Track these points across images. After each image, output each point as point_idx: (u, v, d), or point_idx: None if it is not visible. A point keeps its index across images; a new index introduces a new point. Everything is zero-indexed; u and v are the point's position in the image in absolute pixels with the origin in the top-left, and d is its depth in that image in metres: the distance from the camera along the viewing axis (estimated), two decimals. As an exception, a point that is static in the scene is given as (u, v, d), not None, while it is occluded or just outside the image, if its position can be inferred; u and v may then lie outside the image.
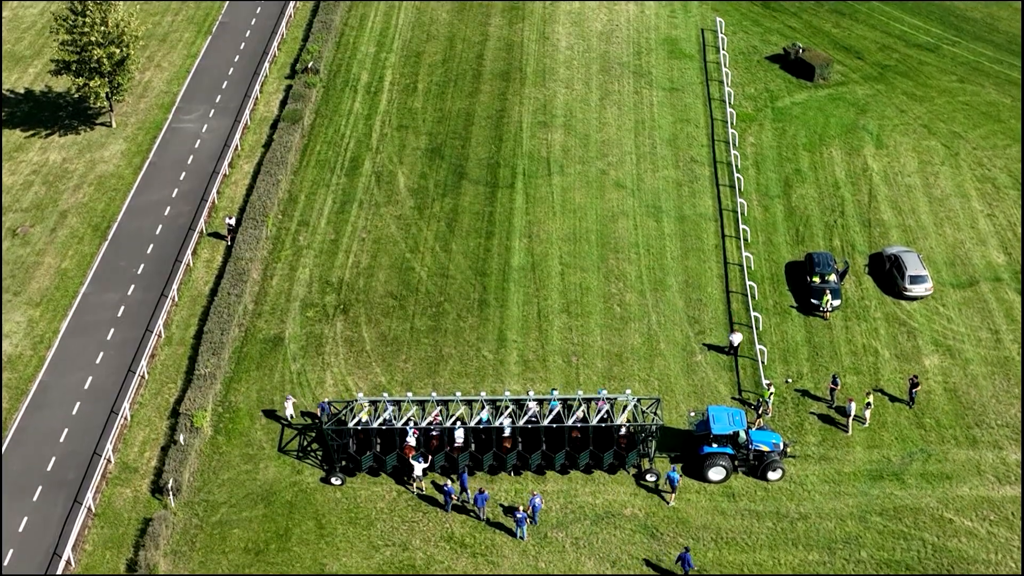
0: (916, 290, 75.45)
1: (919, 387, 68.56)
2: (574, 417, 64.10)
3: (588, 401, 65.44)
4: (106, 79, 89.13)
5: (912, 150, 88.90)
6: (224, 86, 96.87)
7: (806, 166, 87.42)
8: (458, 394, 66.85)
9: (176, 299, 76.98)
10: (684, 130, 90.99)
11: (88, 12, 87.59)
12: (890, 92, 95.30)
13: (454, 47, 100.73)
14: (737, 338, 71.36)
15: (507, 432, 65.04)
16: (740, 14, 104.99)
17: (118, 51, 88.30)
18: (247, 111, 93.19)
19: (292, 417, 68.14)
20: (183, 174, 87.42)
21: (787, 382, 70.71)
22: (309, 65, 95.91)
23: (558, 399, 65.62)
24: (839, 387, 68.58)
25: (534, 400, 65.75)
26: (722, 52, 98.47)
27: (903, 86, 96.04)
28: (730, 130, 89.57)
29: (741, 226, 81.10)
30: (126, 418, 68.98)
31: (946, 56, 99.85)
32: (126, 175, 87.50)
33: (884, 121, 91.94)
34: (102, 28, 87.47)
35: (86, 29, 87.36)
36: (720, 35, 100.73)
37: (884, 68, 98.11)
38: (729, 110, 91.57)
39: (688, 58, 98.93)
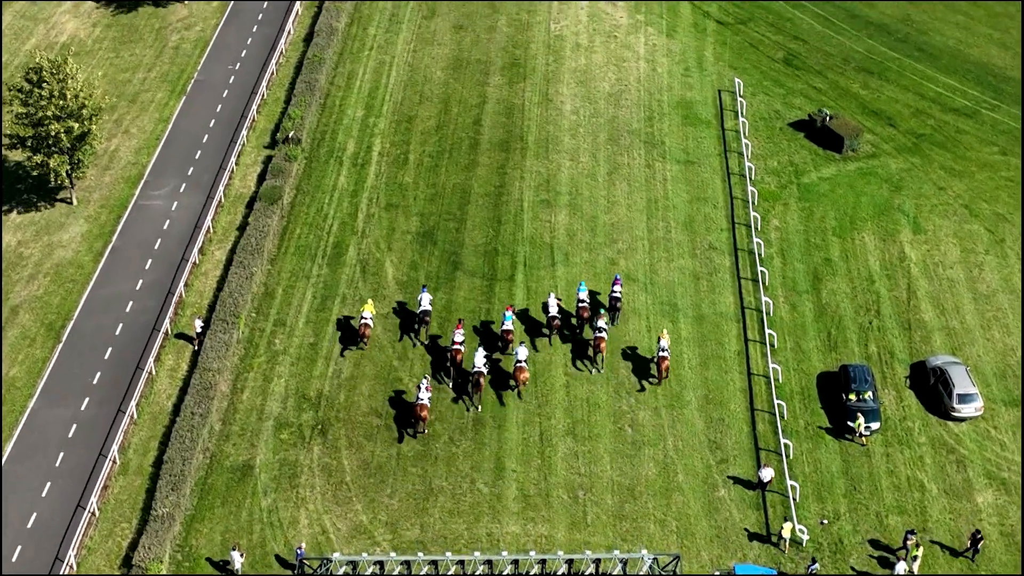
0: (965, 410, 67.22)
1: (983, 540, 60.17)
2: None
3: (597, 562, 57.10)
4: (66, 155, 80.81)
5: (953, 236, 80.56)
6: (198, 156, 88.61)
7: (837, 255, 79.09)
8: (448, 554, 58.54)
9: (135, 416, 68.72)
10: (701, 211, 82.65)
11: (44, 83, 79.24)
12: (926, 166, 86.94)
13: (449, 111, 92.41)
14: (768, 474, 63.11)
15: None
16: (760, 73, 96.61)
17: (78, 125, 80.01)
18: (221, 186, 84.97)
19: (239, 572, 59.79)
20: (149, 262, 79.18)
21: (821, 524, 62.38)
22: (290, 135, 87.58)
23: (564, 559, 57.30)
24: (913, 542, 59.94)
25: (537, 559, 57.45)
26: (741, 119, 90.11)
27: (940, 159, 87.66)
28: (752, 212, 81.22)
29: (767, 330, 72.68)
30: (72, 567, 60.65)
31: (986, 123, 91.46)
32: (86, 263, 79.24)
33: (921, 200, 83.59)
34: (59, 101, 79.12)
35: (43, 103, 79.03)
36: (739, 98, 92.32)
37: (919, 137, 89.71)
38: (750, 188, 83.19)
39: (704, 124, 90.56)
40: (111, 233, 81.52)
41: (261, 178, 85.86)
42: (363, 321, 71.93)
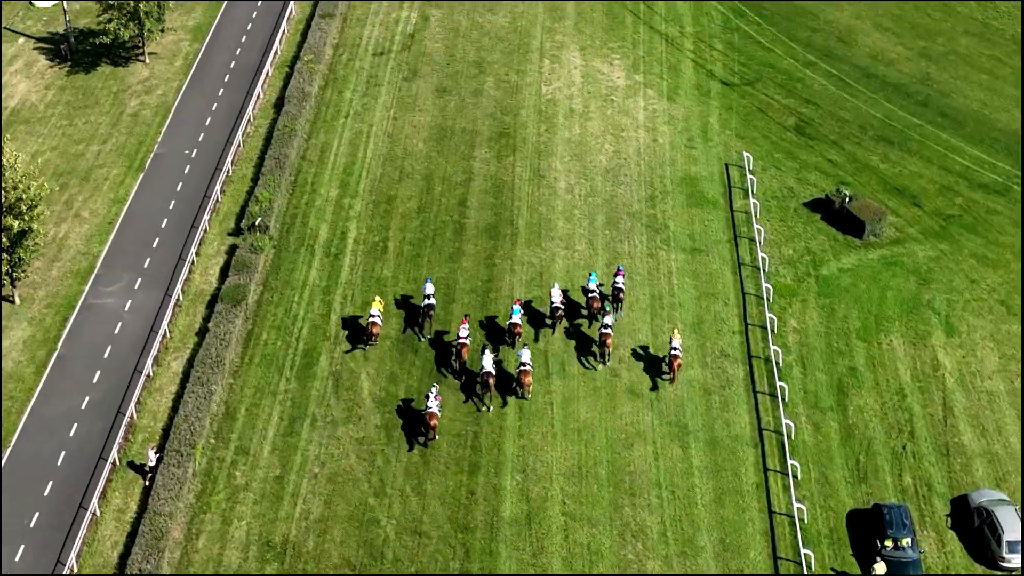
0: (1014, 560, 59.39)
1: None
2: None
3: None
4: (3, 255, 72.55)
5: (989, 338, 72.77)
6: (155, 244, 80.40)
7: (862, 362, 71.17)
8: None
9: (75, 571, 60.39)
10: (711, 309, 74.68)
11: (-23, 176, 71.08)
12: (956, 253, 79.12)
13: (432, 189, 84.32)
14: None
15: None
16: (770, 143, 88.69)
17: (17, 223, 71.67)
18: (180, 282, 76.72)
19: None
20: (97, 374, 70.96)
21: None
22: (257, 221, 79.35)
23: None
24: None
25: None
26: (752, 200, 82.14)
27: (971, 245, 79.85)
28: (767, 313, 73.26)
29: (789, 460, 64.72)
30: None
31: (1018, 201, 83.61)
32: (27, 376, 70.96)
33: (952, 296, 75.76)
34: (-5, 197, 70.95)
35: (-26, 199, 70.86)
36: (748, 175, 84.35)
37: (947, 219, 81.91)
38: (765, 284, 75.20)
39: (711, 205, 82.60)
40: (56, 339, 73.28)
41: (224, 271, 77.69)
42: (372, 319, 70.82)
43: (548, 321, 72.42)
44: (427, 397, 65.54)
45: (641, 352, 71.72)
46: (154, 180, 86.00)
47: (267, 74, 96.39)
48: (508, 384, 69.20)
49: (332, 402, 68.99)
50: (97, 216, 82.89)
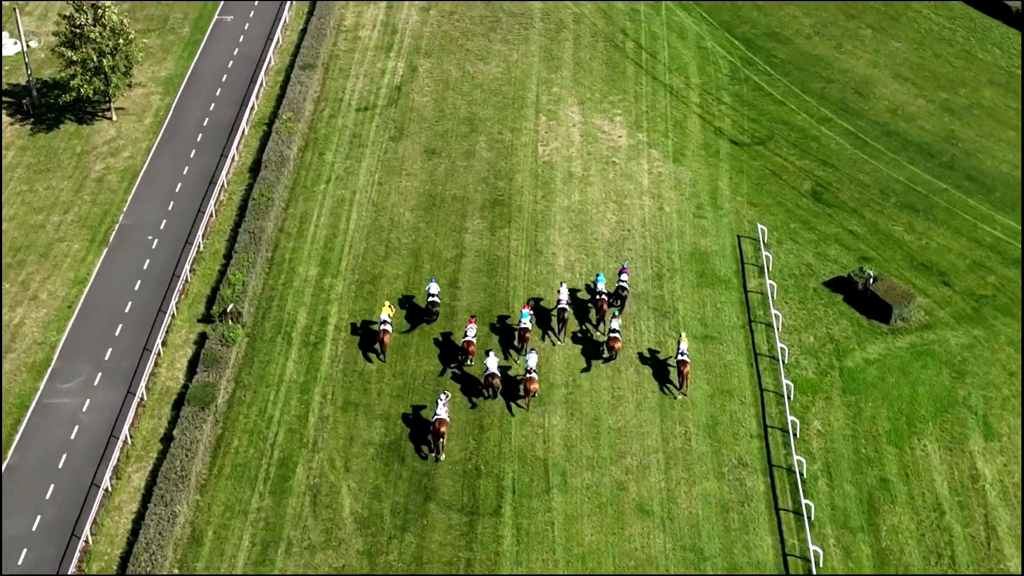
0: None
1: None
2: None
3: None
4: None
5: (1033, 442, 66.14)
6: (118, 332, 73.69)
7: (894, 472, 64.65)
8: None
9: None
10: (726, 408, 68.07)
11: None
12: (992, 340, 72.60)
13: (420, 267, 77.65)
14: None
15: None
16: (785, 211, 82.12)
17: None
18: (144, 378, 69.89)
19: None
20: (50, 488, 64.30)
21: None
22: (229, 308, 72.57)
23: None
24: None
25: None
26: (768, 280, 75.54)
27: (1007, 330, 73.35)
28: (789, 416, 66.68)
29: (818, 594, 58.21)
30: None
31: (1056, 278, 77.23)
32: (-28, 491, 64.03)
33: (989, 392, 69.25)
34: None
35: None
36: (763, 251, 77.75)
37: (979, 301, 75.39)
38: (785, 381, 68.55)
39: (723, 284, 76.00)
40: (7, 447, 66.38)
41: (193, 365, 70.97)
42: (382, 327, 69.28)
43: (554, 321, 71.99)
44: (437, 403, 64.49)
45: (651, 463, 65.05)
46: (118, 256, 79.23)
47: (243, 133, 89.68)
48: (514, 392, 68.26)
49: (310, 523, 62.29)
50: (56, 299, 76.09)
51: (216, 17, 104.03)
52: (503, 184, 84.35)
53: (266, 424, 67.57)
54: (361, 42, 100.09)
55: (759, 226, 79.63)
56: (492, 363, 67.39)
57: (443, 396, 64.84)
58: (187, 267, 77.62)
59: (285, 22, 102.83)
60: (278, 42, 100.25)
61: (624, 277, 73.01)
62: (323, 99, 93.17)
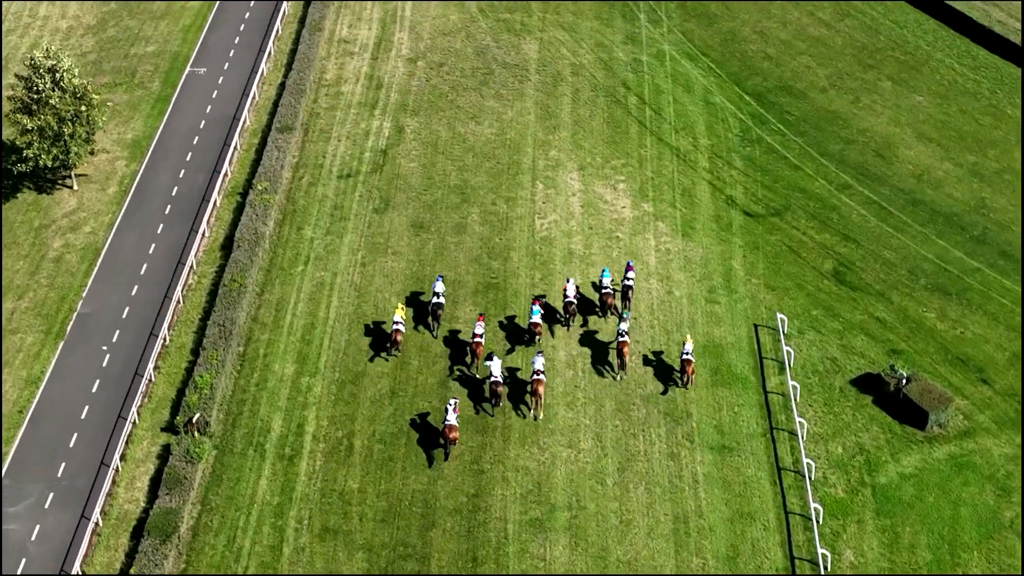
0: None
1: None
2: None
3: None
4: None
5: (1091, 575, 59.17)
6: (73, 442, 66.70)
7: (938, 614, 57.60)
8: None
9: None
10: (747, 535, 61.11)
11: None
12: (1038, 450, 65.63)
13: (408, 363, 70.80)
14: None
15: None
16: (806, 295, 75.22)
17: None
18: (101, 500, 62.78)
19: None
20: (-8, 638, 56.89)
21: None
22: (195, 417, 65.48)
23: None
24: None
25: None
26: (790, 381, 68.61)
27: (1055, 437, 66.40)
28: (819, 548, 59.64)
29: None
30: None
31: (1104, 373, 70.33)
32: (-97, 641, 56.72)
33: (1039, 512, 62.22)
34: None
35: None
36: (784, 346, 70.80)
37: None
38: (813, 504, 61.54)
39: (740, 383, 69.08)
40: (-56, 584, 59.20)
41: (155, 483, 63.95)
42: (395, 327, 68.80)
43: (560, 317, 71.98)
44: (446, 410, 63.76)
45: (666, 604, 58.17)
46: (76, 351, 72.11)
47: (215, 204, 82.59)
48: (521, 393, 67.57)
49: None
50: (6, 403, 69.11)
51: (188, 69, 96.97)
52: (497, 265, 77.38)
53: (235, 557, 60.54)
54: (344, 98, 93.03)
55: (779, 315, 72.63)
56: (496, 368, 66.10)
57: (452, 402, 63.99)
58: (151, 365, 70.54)
59: (262, 75, 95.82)
60: (254, 98, 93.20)
61: (630, 275, 72.23)
62: (302, 165, 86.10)
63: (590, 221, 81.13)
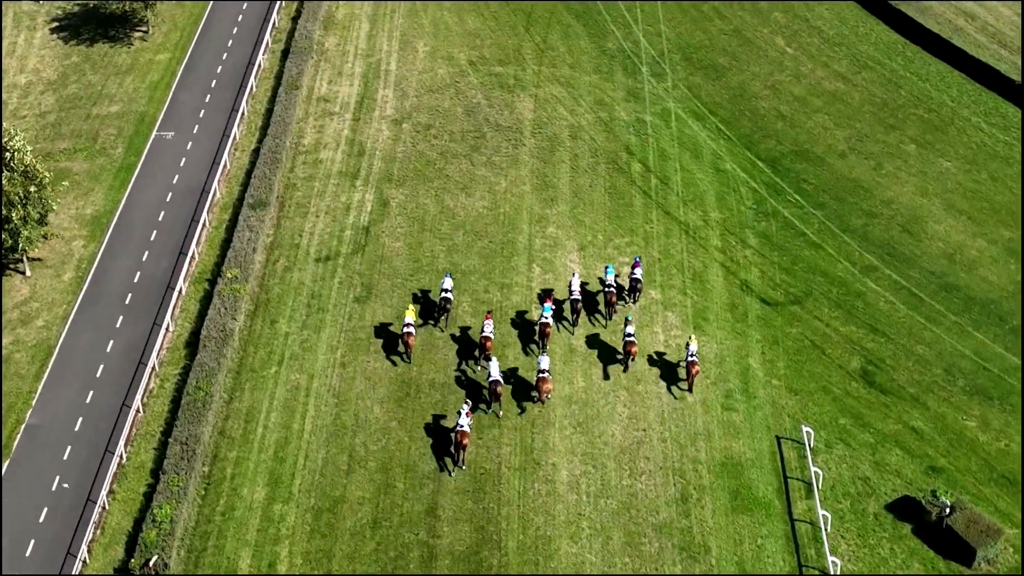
0: None
1: None
2: None
3: None
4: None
5: None
6: (15, 587, 58.88)
7: None
8: None
9: None
10: None
11: None
12: (1099, 591, 58.33)
13: (392, 486, 63.54)
14: None
15: None
16: (832, 401, 68.12)
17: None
18: (43, 661, 55.25)
19: None
20: None
21: None
22: (152, 560, 58.07)
23: None
24: None
25: None
26: (820, 510, 61.30)
27: (1117, 575, 59.10)
28: None
29: None
30: None
31: None
32: None
33: (1106, 670, 54.90)
34: None
35: None
36: (811, 464, 63.49)
37: (1079, 531, 61.19)
38: (851, 664, 54.35)
39: (763, 509, 61.90)
40: None
41: (106, 638, 56.27)
42: (406, 329, 67.76)
43: (567, 311, 71.96)
44: (459, 414, 62.78)
45: None
46: (22, 472, 64.88)
47: (180, 293, 75.12)
48: (527, 391, 67.34)
49: None
50: (-60, 537, 61.28)
51: (154, 133, 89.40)
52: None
53: None
54: (323, 166, 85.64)
55: (804, 427, 65.35)
56: (494, 369, 65.61)
57: (465, 406, 63.20)
58: (104, 492, 63.12)
59: (235, 140, 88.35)
60: (225, 167, 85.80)
61: (637, 271, 72.00)
62: (277, 245, 78.69)
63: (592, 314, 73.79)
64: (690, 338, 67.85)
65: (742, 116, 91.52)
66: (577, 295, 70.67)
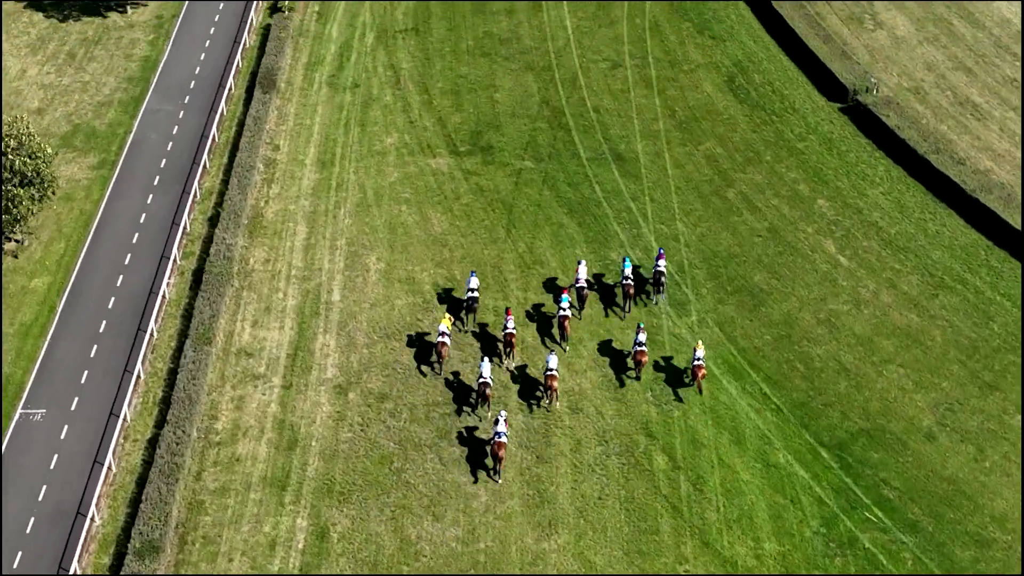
0: None
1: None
2: None
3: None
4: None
5: None
6: None
7: None
8: None
9: None
10: None
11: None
12: None
13: None
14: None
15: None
16: None
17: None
18: None
19: None
20: None
21: None
22: None
23: None
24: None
25: None
26: None
27: None
28: None
29: None
30: None
31: None
32: None
33: None
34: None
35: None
36: None
37: None
38: None
39: None
40: None
41: None
42: (440, 339, 66.14)
43: (573, 298, 70.51)
44: (496, 423, 61.03)
45: None
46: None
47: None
48: (534, 388, 65.48)
49: None
50: None
51: (19, 412, 67.17)
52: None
53: None
54: (240, 470, 64.02)
55: None
56: (486, 369, 64.08)
57: (501, 415, 61.50)
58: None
59: (125, 425, 66.13)
60: (113, 479, 63.56)
61: (661, 263, 71.37)
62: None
63: None
64: (697, 344, 66.75)
65: (793, 372, 70.08)
66: (583, 283, 70.20)
